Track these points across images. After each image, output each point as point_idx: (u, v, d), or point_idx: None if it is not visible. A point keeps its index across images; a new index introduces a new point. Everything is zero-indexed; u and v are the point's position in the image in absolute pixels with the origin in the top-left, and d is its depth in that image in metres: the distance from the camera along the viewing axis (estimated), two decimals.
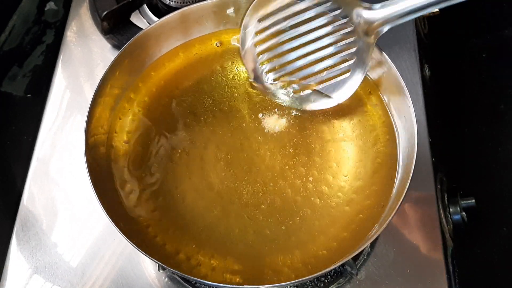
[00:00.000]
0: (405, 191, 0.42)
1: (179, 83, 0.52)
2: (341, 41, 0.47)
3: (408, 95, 0.45)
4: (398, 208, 0.41)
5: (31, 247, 0.53)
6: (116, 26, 0.61)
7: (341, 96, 0.48)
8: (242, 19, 0.49)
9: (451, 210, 0.55)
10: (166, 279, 0.51)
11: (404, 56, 0.61)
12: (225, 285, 0.41)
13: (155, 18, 0.64)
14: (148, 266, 0.52)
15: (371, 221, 0.44)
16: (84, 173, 0.42)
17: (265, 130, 0.50)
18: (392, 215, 0.41)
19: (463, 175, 0.62)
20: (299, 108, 0.50)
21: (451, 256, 0.52)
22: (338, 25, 0.46)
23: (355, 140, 0.49)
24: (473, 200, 0.55)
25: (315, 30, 0.47)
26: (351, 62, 0.47)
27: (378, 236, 0.44)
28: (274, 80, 0.49)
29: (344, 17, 0.46)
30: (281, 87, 0.49)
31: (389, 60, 0.46)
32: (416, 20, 0.64)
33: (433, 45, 0.69)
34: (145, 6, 0.65)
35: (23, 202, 0.55)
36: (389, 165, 0.47)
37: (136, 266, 0.52)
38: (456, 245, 0.54)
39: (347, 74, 0.47)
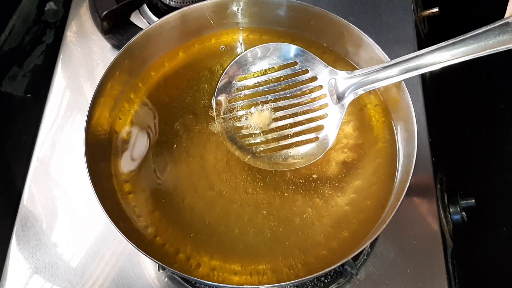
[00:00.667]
0: (405, 191, 0.42)
1: (179, 83, 0.52)
2: (314, 111, 0.47)
3: (408, 96, 0.45)
4: (398, 208, 0.41)
5: (31, 247, 0.53)
6: (116, 26, 0.61)
7: (308, 159, 0.47)
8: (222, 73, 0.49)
9: (451, 210, 0.55)
10: (166, 279, 0.51)
11: None
12: (225, 285, 0.41)
13: (155, 18, 0.64)
14: (148, 266, 0.52)
15: (371, 221, 0.45)
16: (84, 173, 0.42)
17: None
18: (392, 215, 0.41)
19: (463, 175, 0.62)
20: (272, 169, 0.48)
21: (451, 256, 0.52)
22: (313, 93, 0.47)
23: (355, 139, 0.49)
24: (473, 200, 0.55)
25: (290, 98, 0.48)
26: (321, 131, 0.46)
27: (378, 236, 0.44)
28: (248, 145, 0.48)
29: (318, 86, 0.46)
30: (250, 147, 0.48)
31: (388, 60, 0.46)
32: (416, 20, 0.64)
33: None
34: (145, 6, 0.65)
35: (23, 202, 0.55)
36: (389, 165, 0.47)
37: (136, 266, 0.52)
38: (456, 245, 0.54)
39: (315, 143, 0.47)
